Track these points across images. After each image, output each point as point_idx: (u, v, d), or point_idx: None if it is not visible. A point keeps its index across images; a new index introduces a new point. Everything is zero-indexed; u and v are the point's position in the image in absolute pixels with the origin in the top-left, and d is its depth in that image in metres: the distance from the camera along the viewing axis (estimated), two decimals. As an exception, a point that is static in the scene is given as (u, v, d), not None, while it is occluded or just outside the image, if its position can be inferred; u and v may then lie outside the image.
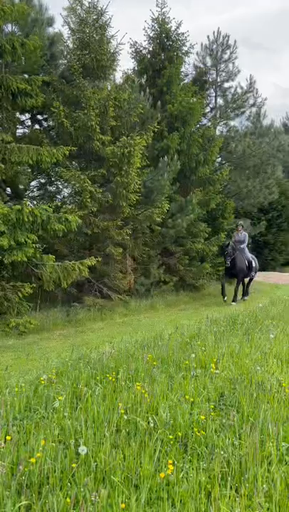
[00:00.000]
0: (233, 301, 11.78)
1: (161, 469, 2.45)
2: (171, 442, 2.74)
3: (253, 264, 12.54)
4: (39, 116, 11.84)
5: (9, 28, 9.82)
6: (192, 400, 3.35)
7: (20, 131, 11.47)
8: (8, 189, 10.83)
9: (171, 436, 2.78)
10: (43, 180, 12.43)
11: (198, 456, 2.66)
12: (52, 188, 12.52)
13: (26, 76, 9.52)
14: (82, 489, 2.16)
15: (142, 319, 9.49)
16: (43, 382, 3.63)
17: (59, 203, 10.97)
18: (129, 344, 5.45)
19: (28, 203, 8.54)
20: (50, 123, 11.27)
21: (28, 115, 11.77)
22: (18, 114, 10.62)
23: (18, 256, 7.79)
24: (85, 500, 2.12)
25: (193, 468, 2.46)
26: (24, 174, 10.57)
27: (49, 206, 8.29)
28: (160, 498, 2.25)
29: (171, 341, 5.31)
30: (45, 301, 9.50)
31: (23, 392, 3.45)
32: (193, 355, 4.46)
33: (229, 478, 2.40)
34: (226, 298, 11.72)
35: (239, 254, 12.01)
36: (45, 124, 11.97)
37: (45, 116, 11.62)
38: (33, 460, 2.33)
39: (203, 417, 3.04)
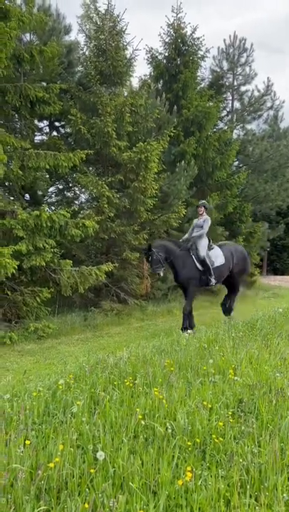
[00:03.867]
0: (189, 327, 7.88)
1: (179, 476, 2.43)
2: (190, 449, 2.72)
3: (217, 263, 8.21)
4: (57, 123, 12.03)
5: (28, 37, 10.02)
6: (210, 406, 3.32)
7: (38, 138, 11.68)
8: (27, 195, 11.00)
9: (189, 443, 2.75)
10: (60, 186, 12.61)
11: (216, 463, 2.63)
12: (69, 194, 12.68)
13: (44, 84, 9.69)
14: (100, 495, 2.15)
15: (159, 324, 9.47)
16: (60, 387, 3.65)
17: (76, 209, 11.10)
18: (147, 349, 5.43)
19: (47, 208, 8.66)
20: (68, 130, 11.44)
21: (46, 122, 11.97)
22: (36, 122, 10.81)
23: (36, 261, 7.90)
24: (103, 506, 2.12)
25: (211, 476, 2.43)
26: (42, 180, 10.72)
27: (67, 212, 8.40)
28: (179, 505, 2.23)
29: (189, 346, 5.28)
30: (63, 305, 9.59)
31: (42, 396, 3.47)
32: (211, 361, 4.42)
33: (248, 487, 2.36)
34: (188, 332, 7.18)
35: (181, 253, 7.95)
36: (62, 130, 12.14)
37: (62, 123, 11.79)
38: (51, 465, 2.34)
39: (221, 424, 3.01)
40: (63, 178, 11.81)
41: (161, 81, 13.61)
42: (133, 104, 10.37)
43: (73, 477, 2.35)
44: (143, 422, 3.00)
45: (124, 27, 10.62)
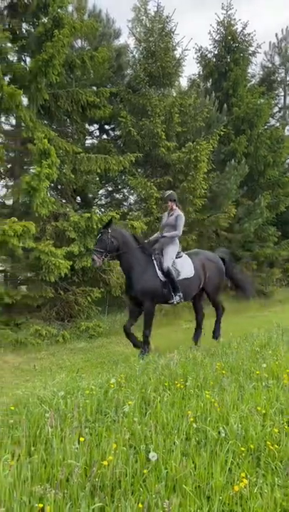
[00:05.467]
0: (142, 352, 6.05)
1: (233, 482, 2.38)
2: (243, 455, 2.65)
3: (184, 275, 6.28)
4: (106, 127, 12.24)
5: (79, 43, 10.29)
6: (264, 411, 3.23)
7: (89, 141, 11.93)
8: (78, 198, 11.29)
9: (243, 449, 2.69)
10: (110, 189, 12.81)
11: (271, 471, 2.55)
12: (119, 196, 12.85)
13: (95, 88, 9.89)
14: (154, 496, 2.16)
15: (208, 326, 9.33)
16: (112, 386, 3.70)
17: (125, 210, 11.23)
18: (197, 351, 5.38)
19: (97, 210, 8.85)
20: (117, 132, 11.59)
21: (96, 126, 12.22)
22: (86, 126, 11.07)
23: (87, 262, 8.09)
24: (157, 506, 2.12)
25: (267, 484, 2.36)
26: (93, 183, 10.95)
27: (116, 213, 8.52)
28: (233, 511, 2.18)
29: (241, 350, 5.17)
30: (113, 305, 9.73)
31: (94, 395, 3.54)
32: (265, 365, 4.30)
33: (307, 498, 2.27)
34: (142, 355, 5.80)
35: (138, 252, 6.12)
36: (112, 133, 12.34)
37: (112, 126, 11.98)
38: (105, 463, 2.37)
39: (276, 430, 2.91)
40: (113, 181, 11.99)
41: (210, 80, 13.49)
42: (182, 104, 10.36)
43: (126, 476, 2.37)
44: (195, 425, 2.97)
45: (174, 28, 10.65)
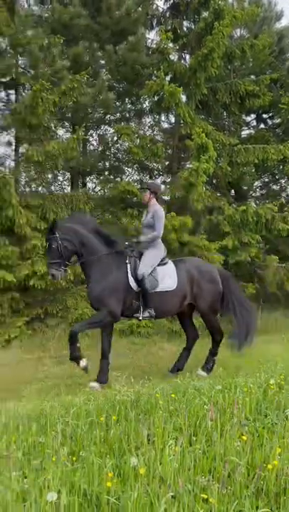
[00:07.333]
0: (100, 381, 4.73)
1: None
2: None
3: (161, 288, 4.94)
4: (264, 115, 11.73)
5: (238, 32, 10.06)
6: None
7: (245, 132, 11.63)
8: (232, 190, 11.13)
9: None
10: (266, 180, 12.29)
11: None
12: (276, 187, 12.24)
13: (253, 77, 9.56)
14: None
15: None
16: (272, 387, 3.55)
17: (283, 202, 10.62)
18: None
19: (252, 203, 8.62)
20: (277, 120, 11.01)
21: (252, 116, 11.83)
22: (243, 116, 10.79)
23: (241, 256, 7.95)
24: None
25: None
26: (249, 175, 10.65)
27: (274, 205, 8.15)
28: None
29: None
30: (268, 302, 9.35)
31: (252, 393, 3.45)
32: None
33: None
34: (93, 385, 4.61)
35: (105, 250, 4.86)
36: (270, 122, 11.79)
37: (270, 114, 11.44)
38: (269, 466, 2.28)
39: None
40: (270, 171, 11.47)
41: None
42: None
43: (292, 485, 2.24)
44: None
45: None
